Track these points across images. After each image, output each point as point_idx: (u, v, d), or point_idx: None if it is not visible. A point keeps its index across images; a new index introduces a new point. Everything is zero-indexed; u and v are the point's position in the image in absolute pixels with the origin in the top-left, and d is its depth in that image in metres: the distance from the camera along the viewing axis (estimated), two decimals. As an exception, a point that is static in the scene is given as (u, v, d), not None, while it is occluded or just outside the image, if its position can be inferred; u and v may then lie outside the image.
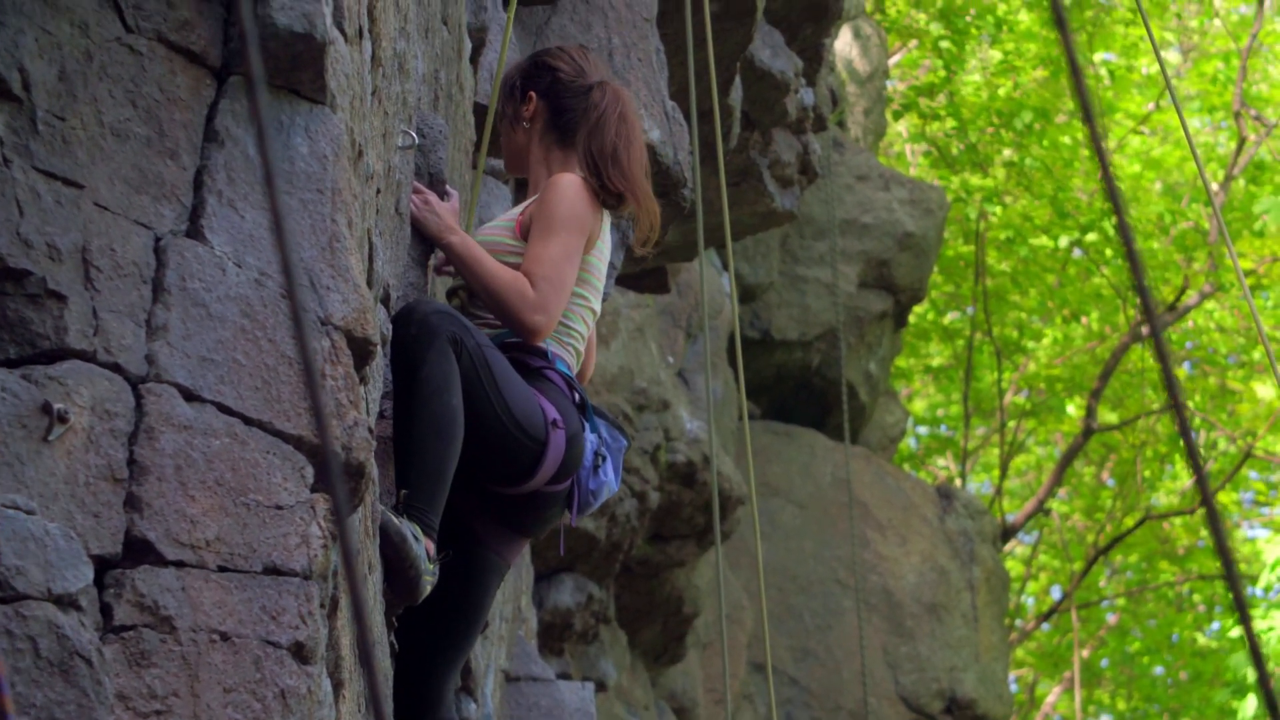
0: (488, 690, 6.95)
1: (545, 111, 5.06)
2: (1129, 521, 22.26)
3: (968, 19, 19.86)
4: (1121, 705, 24.72)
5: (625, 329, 11.54)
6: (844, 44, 18.19)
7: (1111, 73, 21.09)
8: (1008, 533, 20.01)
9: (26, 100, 3.24)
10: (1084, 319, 21.89)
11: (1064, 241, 19.77)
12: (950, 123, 20.19)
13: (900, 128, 22.44)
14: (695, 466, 11.64)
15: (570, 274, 4.74)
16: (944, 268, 20.92)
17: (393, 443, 4.33)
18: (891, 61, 20.71)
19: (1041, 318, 22.06)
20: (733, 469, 12.53)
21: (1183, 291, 20.73)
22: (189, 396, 3.25)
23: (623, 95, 5.12)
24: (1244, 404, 22.60)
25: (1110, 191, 2.10)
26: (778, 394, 16.32)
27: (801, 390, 16.39)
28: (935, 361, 23.21)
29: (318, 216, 3.51)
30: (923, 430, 24.73)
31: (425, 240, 4.80)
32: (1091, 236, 19.52)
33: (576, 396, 4.73)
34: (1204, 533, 22.64)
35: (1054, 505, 22.84)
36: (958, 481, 22.40)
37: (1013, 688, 21.00)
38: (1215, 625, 23.56)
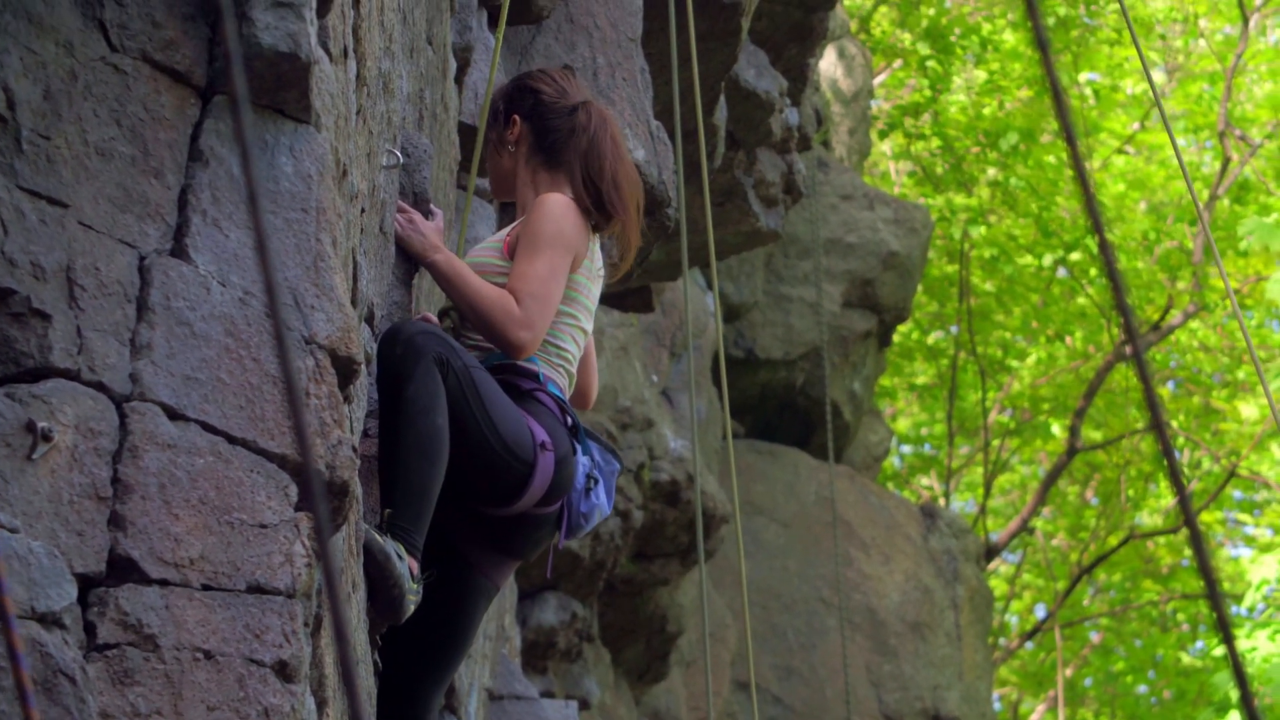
0: (471, 709, 6.95)
1: (530, 134, 5.05)
2: (1113, 540, 22.27)
3: (953, 39, 19.91)
4: (1105, 724, 24.75)
5: (610, 348, 11.54)
6: (829, 64, 18.21)
7: (1096, 92, 21.14)
8: (991, 552, 20.01)
9: (11, 119, 3.24)
10: (1068, 338, 21.93)
11: (1048, 260, 19.80)
12: (935, 142, 20.23)
13: (885, 147, 22.48)
14: (679, 485, 11.63)
15: (556, 291, 4.73)
16: (928, 287, 20.95)
17: (377, 462, 4.33)
18: (876, 81, 20.74)
19: (1026, 337, 22.09)
20: (717, 488, 12.52)
21: (1167, 311, 20.78)
22: (173, 415, 3.25)
23: (608, 116, 5.12)
24: (1228, 423, 22.63)
25: (1091, 211, 2.11)
26: (762, 413, 16.32)
27: (785, 409, 16.39)
28: (919, 380, 23.22)
29: (302, 236, 3.51)
30: (907, 449, 24.73)
31: (410, 259, 4.80)
32: (1075, 255, 19.57)
33: (569, 419, 4.73)
34: (1188, 552, 22.65)
35: (1038, 524, 22.85)
36: (942, 500, 22.41)
37: (996, 706, 21.03)
38: (1199, 644, 23.57)
